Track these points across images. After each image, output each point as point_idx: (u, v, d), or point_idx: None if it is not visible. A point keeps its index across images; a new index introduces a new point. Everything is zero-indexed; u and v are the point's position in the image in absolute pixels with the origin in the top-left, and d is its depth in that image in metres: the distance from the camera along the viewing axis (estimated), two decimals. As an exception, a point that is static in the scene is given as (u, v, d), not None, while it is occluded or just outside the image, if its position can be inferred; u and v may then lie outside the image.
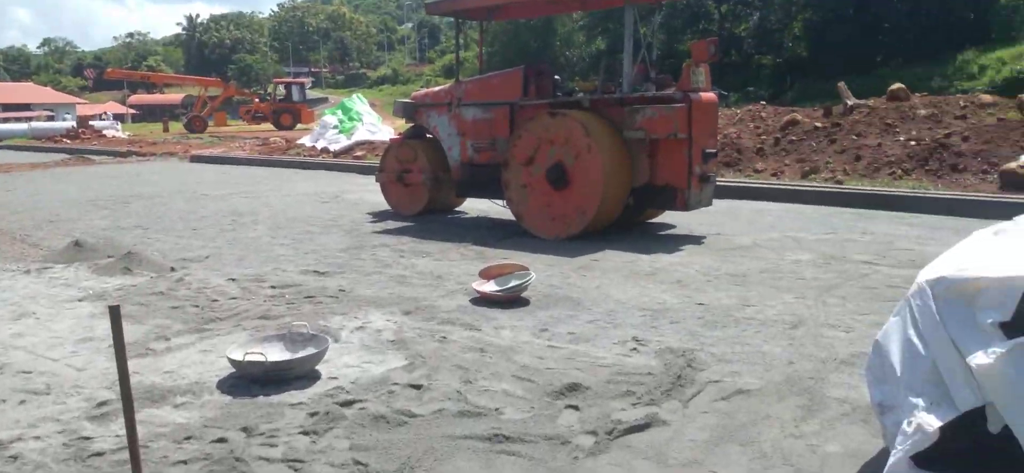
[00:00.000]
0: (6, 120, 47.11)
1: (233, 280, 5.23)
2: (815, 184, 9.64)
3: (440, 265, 5.72)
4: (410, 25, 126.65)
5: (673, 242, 6.61)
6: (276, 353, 3.34)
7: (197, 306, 4.55)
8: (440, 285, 5.04)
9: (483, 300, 4.56)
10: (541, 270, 5.42)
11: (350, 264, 5.77)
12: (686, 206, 6.75)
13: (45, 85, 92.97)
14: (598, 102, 7.13)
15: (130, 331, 4.02)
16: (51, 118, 49.46)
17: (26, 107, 68.40)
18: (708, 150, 6.82)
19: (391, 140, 10.53)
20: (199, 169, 16.24)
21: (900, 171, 9.69)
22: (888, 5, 35.10)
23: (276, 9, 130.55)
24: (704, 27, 41.44)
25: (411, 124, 8.93)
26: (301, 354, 3.26)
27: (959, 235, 6.79)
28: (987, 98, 11.38)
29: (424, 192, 8.57)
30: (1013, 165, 8.56)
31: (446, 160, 8.36)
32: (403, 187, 8.74)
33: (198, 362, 3.50)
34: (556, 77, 7.95)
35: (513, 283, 4.61)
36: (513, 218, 7.36)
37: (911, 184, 9.20)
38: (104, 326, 4.13)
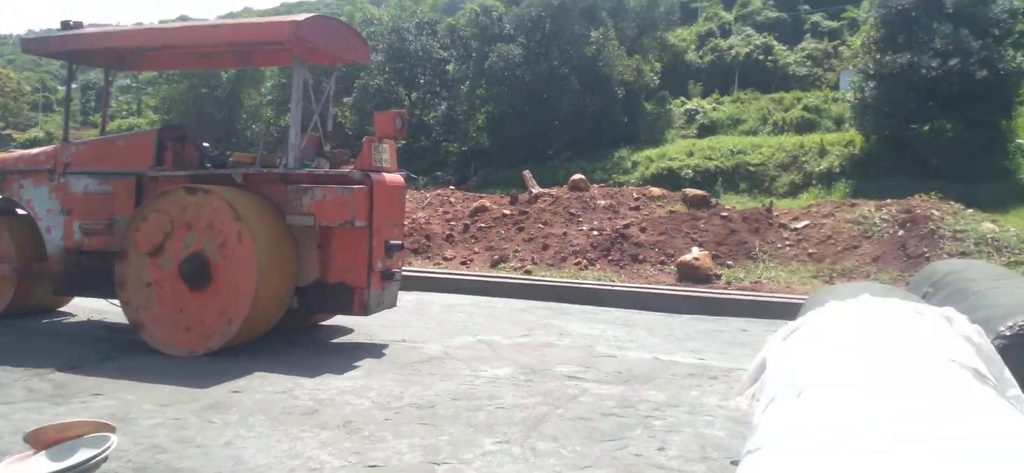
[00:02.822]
0: None
1: None
2: (504, 274, 9.04)
3: (-20, 414, 3.70)
4: (76, 86, 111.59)
5: (347, 355, 5.26)
6: None
7: None
8: (-45, 460, 3.09)
9: (19, 490, 2.76)
10: (147, 414, 3.71)
11: None
12: (365, 310, 5.47)
13: None
14: (255, 178, 5.63)
15: None
16: None
17: None
18: (392, 242, 5.65)
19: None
20: None
21: (585, 261, 9.51)
22: (558, 105, 38.51)
23: None
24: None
25: (-2, 197, 6.55)
26: None
27: (656, 335, 6.39)
28: (656, 191, 11.99)
29: (8, 287, 6.23)
30: (688, 258, 8.73)
31: (43, 245, 6.16)
32: (-22, 281, 6.29)
33: None
34: (205, 144, 6.30)
35: (76, 460, 2.88)
36: (133, 326, 5.44)
37: (597, 274, 9.01)
38: None
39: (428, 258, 10.15)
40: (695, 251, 9.01)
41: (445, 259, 10.06)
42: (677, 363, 5.25)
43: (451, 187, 12.81)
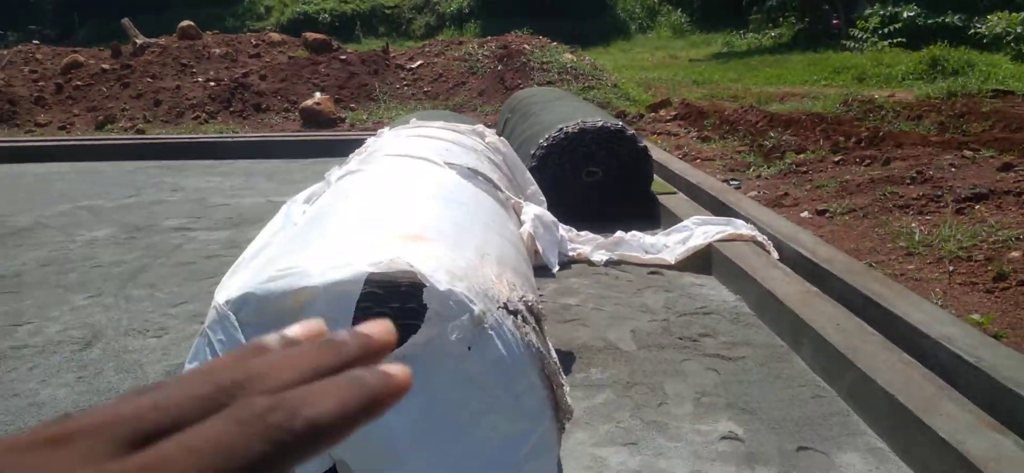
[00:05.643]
0: None
1: None
2: (113, 136, 8.39)
3: None
4: None
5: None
6: None
7: None
8: None
9: None
10: None
11: None
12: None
13: None
14: None
15: None
16: None
17: None
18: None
19: None
20: None
21: (204, 114, 9.19)
22: (172, -60, 34.41)
23: None
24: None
25: None
26: None
27: (273, 180, 6.63)
28: (276, 37, 11.75)
29: None
30: (310, 102, 8.92)
31: None
32: None
33: None
34: None
35: None
36: None
37: (218, 128, 8.80)
38: None
39: (17, 126, 8.93)
40: (317, 96, 9.21)
41: (38, 125, 8.94)
42: (289, 202, 5.56)
43: (36, 42, 11.12)
